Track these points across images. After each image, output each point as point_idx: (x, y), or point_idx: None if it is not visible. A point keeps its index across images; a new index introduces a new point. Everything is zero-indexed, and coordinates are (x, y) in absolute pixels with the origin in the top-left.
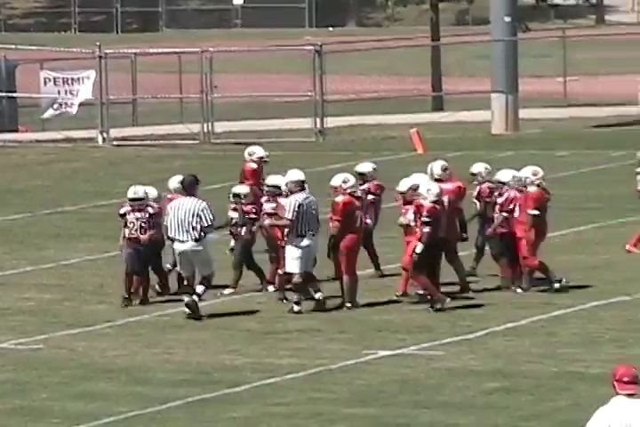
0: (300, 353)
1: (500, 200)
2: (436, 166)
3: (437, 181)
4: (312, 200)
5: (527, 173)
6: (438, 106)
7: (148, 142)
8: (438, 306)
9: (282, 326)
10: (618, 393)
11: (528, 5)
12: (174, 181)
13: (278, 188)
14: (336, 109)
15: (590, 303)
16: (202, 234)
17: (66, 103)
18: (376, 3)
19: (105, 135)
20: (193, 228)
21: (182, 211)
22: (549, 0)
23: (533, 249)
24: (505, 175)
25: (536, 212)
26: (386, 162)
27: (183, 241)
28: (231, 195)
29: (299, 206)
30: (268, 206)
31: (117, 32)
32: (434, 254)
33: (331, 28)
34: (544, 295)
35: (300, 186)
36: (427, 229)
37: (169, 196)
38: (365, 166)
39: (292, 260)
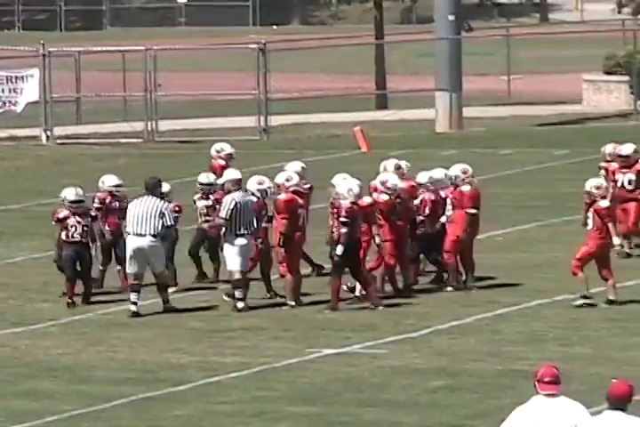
0: (244, 352)
1: (415, 202)
2: (389, 164)
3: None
4: (249, 199)
5: (456, 171)
6: (382, 104)
7: (92, 141)
8: (328, 310)
9: (226, 324)
10: (538, 393)
11: (472, 4)
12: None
13: (211, 185)
14: (280, 108)
15: (534, 302)
16: (160, 232)
17: (10, 101)
18: (320, 1)
19: (49, 134)
20: (152, 224)
21: (144, 207)
22: None
23: (455, 247)
24: (422, 177)
25: (474, 211)
26: (330, 160)
27: (142, 234)
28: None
29: (235, 205)
30: (201, 204)
31: (61, 30)
32: (353, 255)
33: (275, 27)
34: (488, 294)
35: (237, 185)
36: (344, 230)
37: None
38: (294, 166)
39: (231, 258)
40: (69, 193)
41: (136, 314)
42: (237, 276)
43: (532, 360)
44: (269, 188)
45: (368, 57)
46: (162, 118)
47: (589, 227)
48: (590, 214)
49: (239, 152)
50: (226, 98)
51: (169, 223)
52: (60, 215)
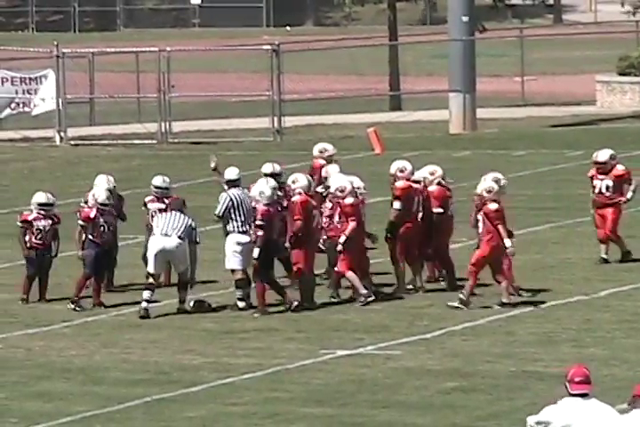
0: (258, 353)
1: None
2: (393, 167)
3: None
4: (248, 196)
5: (425, 173)
6: (396, 105)
7: (106, 142)
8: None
9: (239, 325)
10: (570, 394)
11: (486, 5)
12: (157, 181)
13: (167, 189)
14: (294, 109)
15: (548, 303)
16: (186, 236)
17: (24, 103)
18: (334, 2)
19: (62, 135)
20: (180, 228)
21: (175, 215)
22: (508, 0)
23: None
24: (356, 180)
25: (440, 210)
26: (344, 161)
27: (169, 235)
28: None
29: (230, 202)
30: (153, 207)
31: (75, 31)
32: (271, 258)
33: (288, 28)
34: (501, 295)
35: (233, 183)
36: (260, 233)
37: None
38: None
39: (233, 256)
40: (40, 196)
41: (146, 312)
42: (238, 275)
43: (545, 362)
44: (358, 188)
45: (382, 58)
46: (175, 119)
47: (480, 230)
48: (480, 217)
49: (252, 153)
50: (239, 99)
51: (196, 240)
52: (29, 217)
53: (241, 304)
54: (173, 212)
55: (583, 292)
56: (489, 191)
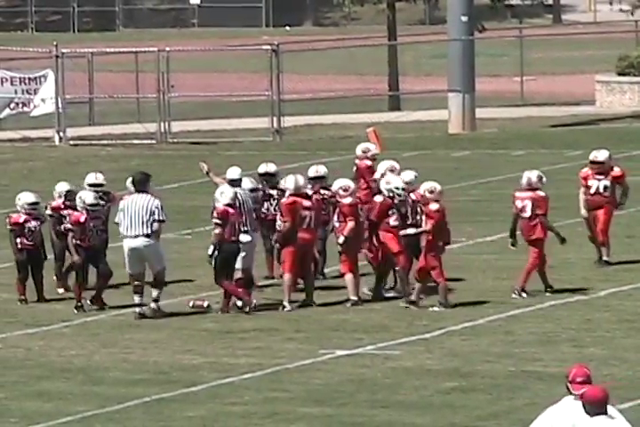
0: (257, 353)
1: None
2: (381, 167)
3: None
4: (251, 196)
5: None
6: (395, 105)
7: (105, 142)
8: (246, 309)
9: (238, 325)
10: (572, 394)
11: (485, 5)
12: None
13: (101, 186)
14: (293, 109)
15: (547, 303)
16: (153, 229)
17: (23, 103)
18: (333, 2)
19: (62, 135)
20: (145, 223)
21: (135, 207)
22: (507, 0)
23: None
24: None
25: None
26: (343, 161)
27: (136, 236)
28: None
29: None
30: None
31: (74, 31)
32: (230, 258)
33: (288, 28)
34: (501, 295)
35: (235, 183)
36: (217, 231)
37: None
38: (408, 175)
39: None
40: (27, 196)
41: (142, 315)
42: (238, 274)
43: (545, 361)
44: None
45: (381, 58)
46: (175, 119)
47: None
48: (424, 217)
49: (251, 153)
50: (239, 99)
51: (160, 218)
52: (20, 220)
53: (240, 303)
54: (135, 202)
55: (583, 292)
56: (431, 191)
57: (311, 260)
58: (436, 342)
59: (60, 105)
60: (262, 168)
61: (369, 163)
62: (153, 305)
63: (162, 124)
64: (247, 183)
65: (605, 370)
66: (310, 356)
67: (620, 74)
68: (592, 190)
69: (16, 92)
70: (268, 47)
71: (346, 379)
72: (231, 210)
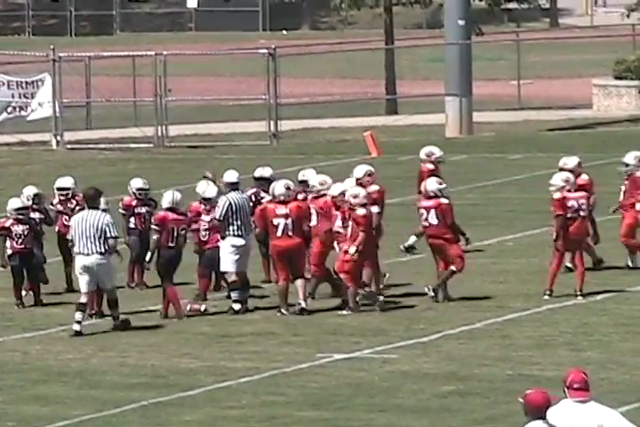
0: (255, 356)
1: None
2: (360, 171)
3: (360, 185)
4: (246, 200)
5: (315, 182)
6: (392, 109)
7: (102, 146)
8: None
9: (236, 329)
10: (568, 398)
11: (482, 9)
12: (137, 183)
13: (68, 189)
14: (290, 113)
15: (545, 306)
16: (107, 247)
17: (20, 107)
18: (330, 6)
19: (59, 139)
20: (97, 240)
21: (86, 224)
22: (504, 4)
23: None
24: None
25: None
26: (340, 165)
27: (88, 254)
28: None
29: (229, 206)
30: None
31: (71, 35)
32: (167, 264)
33: (285, 32)
34: (498, 298)
35: (233, 186)
36: (154, 237)
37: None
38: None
39: (228, 259)
40: (15, 200)
41: (78, 333)
42: (233, 277)
43: (542, 365)
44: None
45: (378, 62)
46: (172, 123)
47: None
48: (350, 223)
49: (248, 157)
50: (236, 103)
51: (112, 235)
52: (6, 224)
53: (236, 306)
54: (85, 219)
55: (580, 295)
56: (355, 196)
57: (301, 265)
58: (434, 346)
59: (57, 109)
60: (258, 172)
61: (431, 166)
62: (116, 323)
63: (159, 127)
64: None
65: (603, 374)
66: (308, 360)
67: (617, 78)
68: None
69: (13, 95)
70: (265, 51)
71: (343, 383)
72: (170, 215)
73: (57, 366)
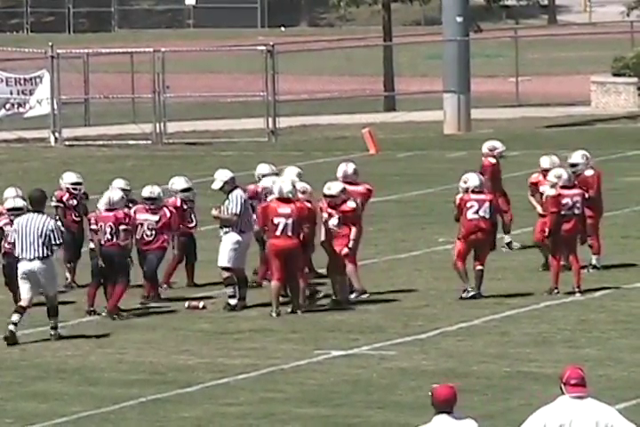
0: (253, 353)
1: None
2: (350, 168)
3: (347, 183)
4: (186, 196)
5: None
6: (390, 106)
7: (101, 143)
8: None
9: (234, 326)
10: (565, 395)
11: (480, 6)
12: (179, 184)
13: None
14: (288, 109)
15: (543, 303)
16: (49, 253)
17: (19, 103)
18: (328, 3)
19: (57, 135)
20: (40, 246)
21: (30, 228)
22: (502, 1)
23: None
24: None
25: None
26: (338, 162)
27: (31, 259)
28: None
29: (244, 201)
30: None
31: (69, 32)
32: (111, 263)
33: (283, 29)
34: (496, 295)
35: (233, 184)
36: (90, 237)
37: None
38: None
39: (227, 255)
40: (8, 201)
41: (12, 334)
42: (227, 273)
43: (540, 362)
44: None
45: (376, 59)
46: (170, 120)
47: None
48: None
49: (246, 154)
50: (234, 100)
51: (56, 242)
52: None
53: (232, 302)
54: (30, 223)
55: (578, 292)
56: (342, 191)
57: (297, 267)
58: (432, 343)
59: (55, 106)
60: (260, 169)
61: (493, 160)
62: (52, 332)
63: (157, 124)
64: (181, 183)
65: (601, 371)
66: (306, 356)
67: (615, 75)
68: (544, 197)
69: (11, 92)
70: (264, 48)
71: (341, 380)
72: (104, 214)
73: (55, 362)
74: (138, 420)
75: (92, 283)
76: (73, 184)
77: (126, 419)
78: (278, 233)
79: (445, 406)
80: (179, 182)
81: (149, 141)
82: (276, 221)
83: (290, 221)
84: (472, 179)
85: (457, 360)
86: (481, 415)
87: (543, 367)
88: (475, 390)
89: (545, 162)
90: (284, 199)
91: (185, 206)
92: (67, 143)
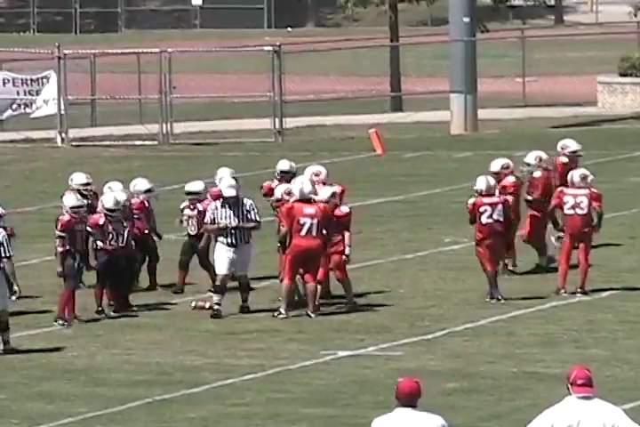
0: (259, 354)
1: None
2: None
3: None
4: (148, 197)
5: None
6: (397, 106)
7: (107, 143)
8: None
9: (240, 326)
10: (571, 395)
11: (487, 6)
12: (142, 184)
13: (198, 193)
14: (295, 110)
15: (549, 304)
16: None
17: (25, 104)
18: (335, 3)
19: (64, 136)
20: None
21: None
22: (509, 1)
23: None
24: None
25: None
26: (345, 162)
27: None
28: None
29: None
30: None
31: (76, 32)
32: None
33: (289, 29)
34: (503, 295)
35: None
36: (61, 244)
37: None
38: (197, 185)
39: (222, 261)
40: (70, 200)
41: None
42: (220, 281)
43: (546, 362)
44: None
45: (383, 59)
46: (177, 120)
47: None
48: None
49: (253, 154)
50: (241, 100)
51: (6, 254)
52: (100, 222)
53: (216, 307)
54: None
55: (580, 292)
56: (288, 193)
57: (316, 268)
58: (438, 343)
59: (62, 106)
60: (281, 165)
61: (564, 160)
62: (6, 348)
63: (164, 125)
64: (144, 184)
65: (608, 371)
66: (312, 357)
67: (622, 75)
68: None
69: (18, 93)
70: (270, 48)
71: (348, 380)
72: (74, 220)
73: (61, 363)
74: (144, 420)
75: (99, 283)
76: (83, 185)
77: (133, 420)
78: (304, 233)
79: (408, 399)
80: (141, 183)
81: (156, 142)
82: (302, 221)
83: (315, 221)
84: (479, 182)
85: (463, 361)
86: (487, 416)
87: (550, 368)
88: (481, 390)
89: (496, 165)
90: (305, 200)
91: (150, 207)
92: (73, 143)
